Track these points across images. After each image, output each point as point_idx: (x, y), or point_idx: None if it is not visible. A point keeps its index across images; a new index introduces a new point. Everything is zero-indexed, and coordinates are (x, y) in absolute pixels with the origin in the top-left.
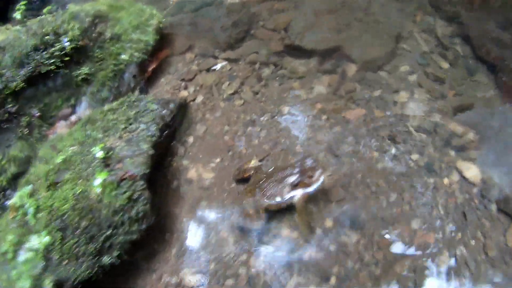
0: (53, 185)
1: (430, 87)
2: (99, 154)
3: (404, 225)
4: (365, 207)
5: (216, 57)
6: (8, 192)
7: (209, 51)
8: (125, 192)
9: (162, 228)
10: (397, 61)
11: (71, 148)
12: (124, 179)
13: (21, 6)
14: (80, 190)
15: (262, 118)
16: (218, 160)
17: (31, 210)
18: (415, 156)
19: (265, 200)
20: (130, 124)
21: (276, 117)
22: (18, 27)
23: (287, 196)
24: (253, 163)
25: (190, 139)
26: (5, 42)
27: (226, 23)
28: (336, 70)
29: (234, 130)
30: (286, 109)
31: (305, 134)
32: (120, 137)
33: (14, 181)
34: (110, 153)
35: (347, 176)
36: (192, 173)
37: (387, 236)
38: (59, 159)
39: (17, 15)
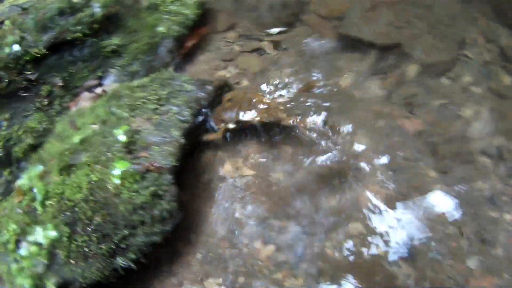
0: (66, 168)
1: (494, 103)
2: (122, 137)
3: (460, 263)
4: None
5: (260, 40)
6: (22, 164)
7: (254, 33)
8: (148, 187)
9: (188, 227)
10: (460, 69)
11: (92, 126)
12: (149, 170)
13: None
14: (96, 178)
15: (308, 120)
16: (259, 155)
17: (39, 197)
18: (476, 184)
19: None
20: (161, 105)
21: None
22: None
23: None
24: None
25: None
26: (29, 3)
27: (274, 4)
28: (394, 69)
29: None
30: (337, 104)
31: (359, 138)
32: (149, 119)
33: (30, 153)
34: (135, 137)
35: (400, 195)
36: (227, 168)
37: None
38: (76, 138)
39: None
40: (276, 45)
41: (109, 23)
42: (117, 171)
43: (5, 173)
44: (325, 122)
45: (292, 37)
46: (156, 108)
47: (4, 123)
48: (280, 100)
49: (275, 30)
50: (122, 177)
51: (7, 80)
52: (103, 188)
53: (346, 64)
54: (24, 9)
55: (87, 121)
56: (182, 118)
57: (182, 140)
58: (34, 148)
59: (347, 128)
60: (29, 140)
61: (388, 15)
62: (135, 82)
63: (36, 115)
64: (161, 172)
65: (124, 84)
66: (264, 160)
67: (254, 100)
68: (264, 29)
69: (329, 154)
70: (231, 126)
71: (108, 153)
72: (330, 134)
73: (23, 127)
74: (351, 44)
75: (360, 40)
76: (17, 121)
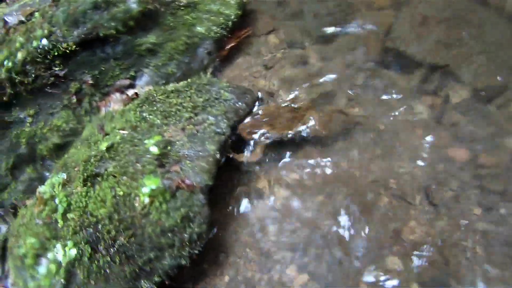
0: (91, 178)
1: None
2: (154, 149)
3: None
4: (455, 276)
5: (304, 48)
6: (48, 162)
7: (297, 39)
8: (179, 208)
9: (216, 247)
10: (510, 96)
11: (121, 132)
12: (180, 188)
13: None
14: (122, 192)
15: (354, 135)
16: (298, 176)
17: (60, 208)
18: None
19: None
20: (196, 114)
21: (371, 136)
22: None
23: None
24: None
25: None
26: None
27: (318, 11)
28: (440, 92)
29: None
30: (382, 128)
31: (403, 164)
32: (183, 129)
33: (56, 153)
34: (168, 148)
35: (440, 232)
36: (263, 185)
37: None
38: (104, 145)
39: None
40: (319, 55)
41: (145, 20)
42: (146, 189)
43: (28, 170)
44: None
45: (336, 48)
46: (191, 117)
47: (29, 119)
48: (319, 116)
49: (328, 29)
50: (152, 195)
51: (34, 75)
52: (130, 206)
53: (390, 82)
54: (55, 0)
55: (116, 126)
56: (219, 130)
57: (218, 156)
58: (59, 147)
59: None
60: (54, 139)
61: (438, 31)
62: (170, 86)
63: (63, 113)
64: (192, 191)
65: (158, 88)
66: (302, 179)
67: (290, 114)
68: (307, 36)
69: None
70: (266, 141)
71: (137, 164)
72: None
73: (49, 124)
74: (397, 61)
75: (407, 57)
76: (43, 118)
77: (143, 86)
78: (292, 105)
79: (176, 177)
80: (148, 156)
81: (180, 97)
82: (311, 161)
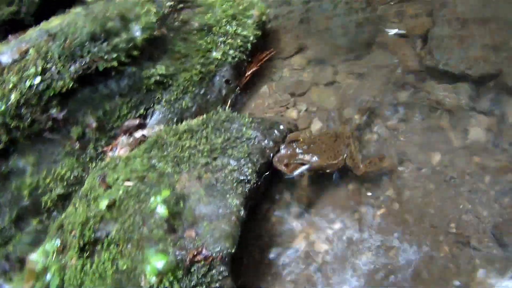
0: (89, 246)
1: None
2: (161, 209)
3: None
4: None
5: (334, 66)
6: (54, 214)
7: (326, 58)
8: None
9: None
10: None
11: (126, 183)
12: (196, 261)
13: None
14: (126, 266)
15: (402, 169)
16: (340, 224)
17: (52, 285)
18: None
19: None
20: (215, 159)
21: (423, 170)
22: (79, 9)
23: None
24: None
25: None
26: (57, 28)
27: (346, 23)
28: (494, 109)
29: None
30: (436, 159)
31: (462, 203)
32: (199, 178)
33: (61, 203)
34: (179, 206)
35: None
36: (299, 238)
37: None
38: (104, 203)
39: None
40: (352, 73)
41: (152, 49)
42: (150, 267)
43: (34, 222)
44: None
45: (370, 64)
46: (208, 163)
47: (29, 168)
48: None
49: (358, 44)
50: (160, 272)
51: (29, 119)
52: (135, 283)
53: (436, 100)
54: (51, 35)
55: (120, 177)
56: (242, 178)
57: (242, 212)
58: (65, 197)
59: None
60: (59, 189)
61: (480, 34)
62: (183, 125)
63: (66, 160)
64: (212, 263)
65: (169, 128)
66: (344, 230)
67: (331, 141)
68: (337, 54)
69: None
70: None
71: (144, 228)
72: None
73: (51, 174)
74: (440, 73)
75: (451, 68)
76: (44, 167)
77: (154, 125)
78: (331, 131)
79: (191, 245)
80: (155, 218)
81: (194, 138)
82: (355, 204)
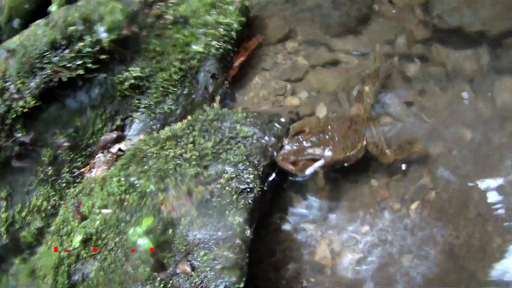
0: None
1: None
2: (143, 242)
3: None
4: None
5: (330, 45)
6: (37, 249)
7: (320, 38)
8: None
9: None
10: None
11: (103, 212)
12: None
13: None
14: None
15: (432, 151)
16: (368, 227)
17: None
18: None
19: None
20: (206, 168)
21: (455, 150)
22: (40, 20)
23: None
24: None
25: (315, 187)
26: (15, 43)
27: None
28: None
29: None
30: (467, 135)
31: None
32: (189, 194)
33: (42, 236)
34: (168, 233)
35: None
36: (322, 248)
37: None
38: (78, 238)
39: (53, 7)
40: (351, 50)
41: (123, 50)
42: None
43: (17, 261)
44: None
45: (370, 39)
46: (199, 173)
47: (2, 203)
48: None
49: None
50: None
51: None
52: None
53: (454, 66)
54: (10, 51)
55: (96, 203)
56: (244, 187)
57: (248, 232)
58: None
59: None
60: (37, 222)
61: None
62: (164, 132)
63: (40, 189)
64: None
65: (149, 137)
66: (377, 231)
67: (345, 127)
68: (331, 31)
69: None
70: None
71: (127, 265)
72: None
73: (27, 206)
74: (452, 38)
75: (463, 30)
76: (18, 199)
77: (134, 136)
78: (343, 115)
79: (187, 284)
80: (138, 253)
81: (179, 145)
82: (382, 201)
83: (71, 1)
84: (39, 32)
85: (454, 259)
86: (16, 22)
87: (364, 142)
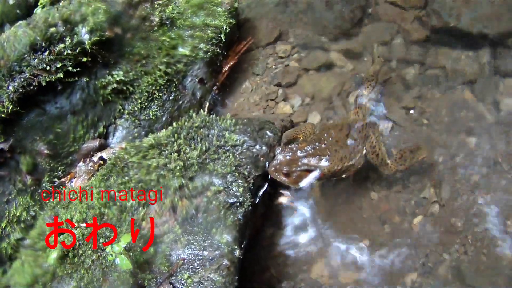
0: None
1: None
2: (122, 262)
3: None
4: None
5: (324, 48)
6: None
7: (313, 40)
8: None
9: None
10: None
11: (82, 226)
12: None
13: None
14: None
15: (435, 160)
16: (368, 242)
17: None
18: None
19: None
20: (191, 179)
21: (459, 157)
22: (21, 21)
23: None
24: None
25: (311, 200)
26: None
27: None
28: None
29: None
30: (471, 142)
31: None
32: (173, 209)
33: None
34: (150, 252)
35: None
36: (318, 265)
37: None
38: (53, 256)
39: (38, 9)
40: (346, 53)
41: (105, 53)
42: None
43: None
44: None
45: (366, 41)
46: (183, 185)
47: None
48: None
49: (348, 20)
50: None
51: None
52: None
53: (454, 67)
54: None
55: (74, 217)
56: (232, 201)
57: (238, 252)
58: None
59: None
60: (16, 234)
61: None
62: (147, 140)
63: (20, 199)
64: None
65: (130, 145)
66: (377, 247)
67: (341, 135)
68: (324, 33)
69: None
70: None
71: (105, 286)
72: None
73: (6, 217)
74: (451, 39)
75: (461, 31)
76: None
77: (117, 144)
78: (339, 122)
79: None
80: (119, 273)
81: (163, 154)
82: (383, 214)
83: (55, 2)
84: (19, 33)
85: (461, 278)
86: (7, 28)
87: (364, 151)
